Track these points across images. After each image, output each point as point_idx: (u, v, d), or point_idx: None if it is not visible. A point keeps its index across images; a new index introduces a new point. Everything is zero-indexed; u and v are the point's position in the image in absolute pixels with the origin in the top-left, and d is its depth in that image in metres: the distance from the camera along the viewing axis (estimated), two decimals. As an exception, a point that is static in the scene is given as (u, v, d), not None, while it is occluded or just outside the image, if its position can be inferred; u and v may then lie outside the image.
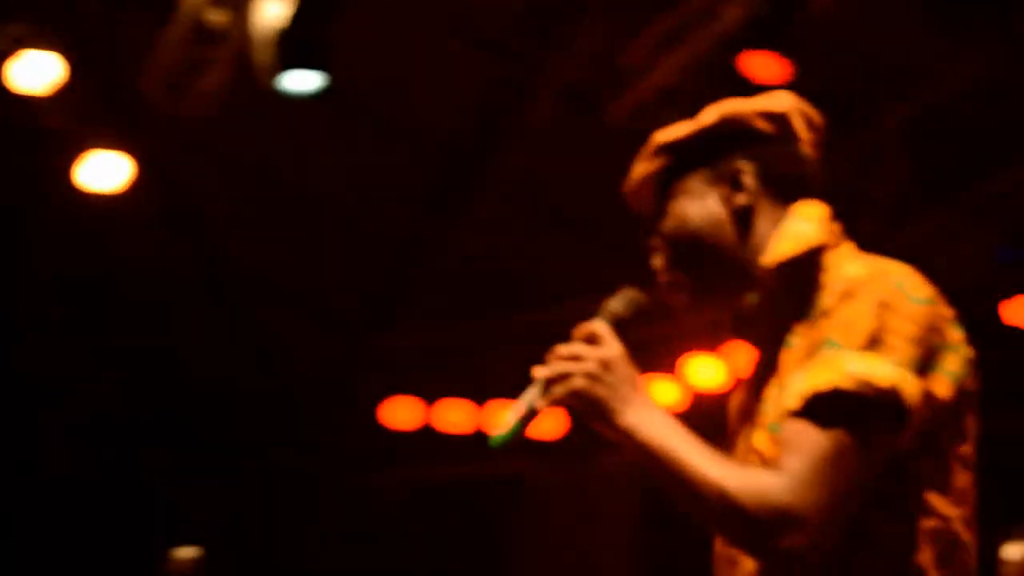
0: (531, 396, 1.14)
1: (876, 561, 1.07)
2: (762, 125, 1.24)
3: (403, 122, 4.82)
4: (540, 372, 1.14)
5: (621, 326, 1.18)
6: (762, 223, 1.20)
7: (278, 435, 5.24)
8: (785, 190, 1.22)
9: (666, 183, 1.26)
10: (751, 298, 1.21)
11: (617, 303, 1.20)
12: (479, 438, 5.21)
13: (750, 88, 3.92)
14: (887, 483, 1.07)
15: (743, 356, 2.89)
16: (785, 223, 1.19)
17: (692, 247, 1.22)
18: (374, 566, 5.10)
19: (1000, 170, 4.22)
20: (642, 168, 1.27)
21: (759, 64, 3.71)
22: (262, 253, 5.21)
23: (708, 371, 4.74)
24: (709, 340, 4.61)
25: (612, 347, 1.13)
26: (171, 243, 5.09)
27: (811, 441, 1.02)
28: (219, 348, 5.39)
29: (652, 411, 1.11)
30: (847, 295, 1.08)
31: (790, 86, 4.09)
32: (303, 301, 5.51)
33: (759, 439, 1.14)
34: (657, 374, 4.81)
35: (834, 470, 1.01)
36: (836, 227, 1.21)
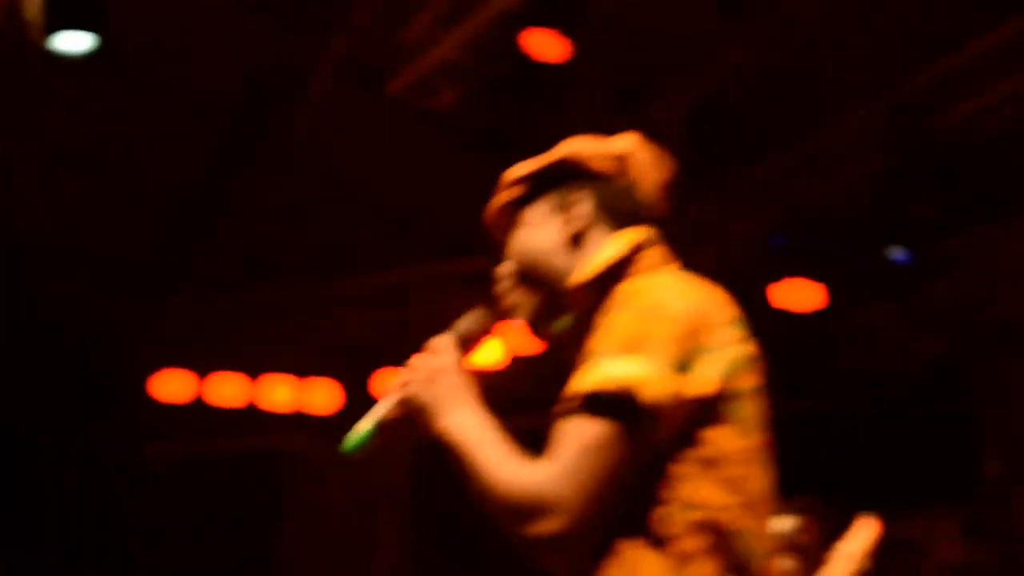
0: (384, 403, 1.29)
1: (643, 551, 1.13)
2: (601, 164, 1.36)
3: (183, 86, 4.37)
4: (394, 380, 1.31)
5: (468, 341, 1.34)
6: (592, 250, 1.32)
7: (46, 407, 4.89)
8: (619, 220, 1.34)
9: (517, 212, 1.40)
10: (565, 320, 1.34)
11: (465, 321, 1.35)
12: (252, 412, 5.01)
13: (531, 66, 3.93)
14: (650, 475, 1.14)
15: (520, 336, 3.56)
16: (598, 248, 1.31)
17: (530, 271, 1.34)
18: (144, 539, 4.94)
19: (773, 155, 4.29)
20: (497, 199, 1.41)
21: (540, 42, 3.72)
22: (35, 218, 4.71)
23: (486, 349, 4.71)
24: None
25: (446, 359, 1.28)
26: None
27: (569, 436, 1.12)
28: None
29: (467, 415, 1.21)
30: (616, 306, 1.20)
31: (570, 65, 3.93)
32: (76, 268, 4.96)
33: None
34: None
35: (588, 462, 1.09)
36: (655, 250, 1.33)
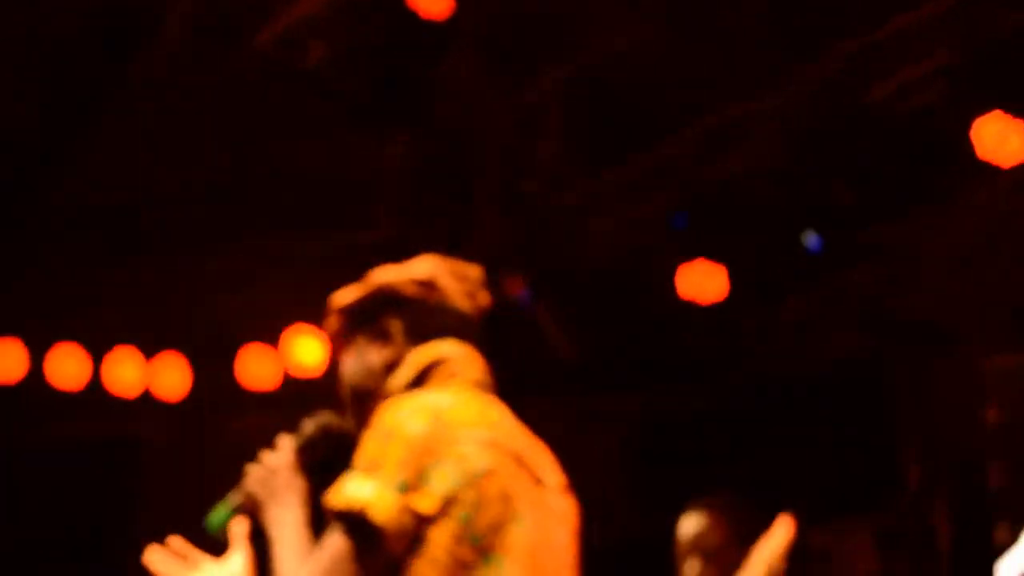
0: (235, 491, 1.54)
1: None
2: (411, 290, 1.53)
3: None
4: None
5: (310, 443, 1.53)
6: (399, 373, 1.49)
7: None
8: (429, 338, 1.50)
9: (346, 339, 1.59)
10: None
11: (308, 424, 1.55)
12: (95, 393, 4.57)
13: (408, 20, 3.59)
14: None
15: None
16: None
17: (352, 396, 1.53)
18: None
19: (681, 131, 4.05)
20: (327, 327, 1.64)
21: (418, -6, 3.57)
22: None
23: (309, 347, 4.64)
24: (313, 317, 4.08)
25: (282, 458, 1.49)
26: None
27: (323, 545, 1.32)
28: None
29: (287, 512, 1.43)
30: (369, 425, 1.39)
31: (454, 20, 3.60)
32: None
33: None
34: (259, 346, 4.62)
35: (332, 570, 1.30)
36: (445, 367, 1.49)
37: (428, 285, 1.54)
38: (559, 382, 4.38)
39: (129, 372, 4.61)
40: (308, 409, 1.62)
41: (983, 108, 3.51)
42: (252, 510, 1.49)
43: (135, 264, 4.62)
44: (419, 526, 1.31)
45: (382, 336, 1.52)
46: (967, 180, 3.73)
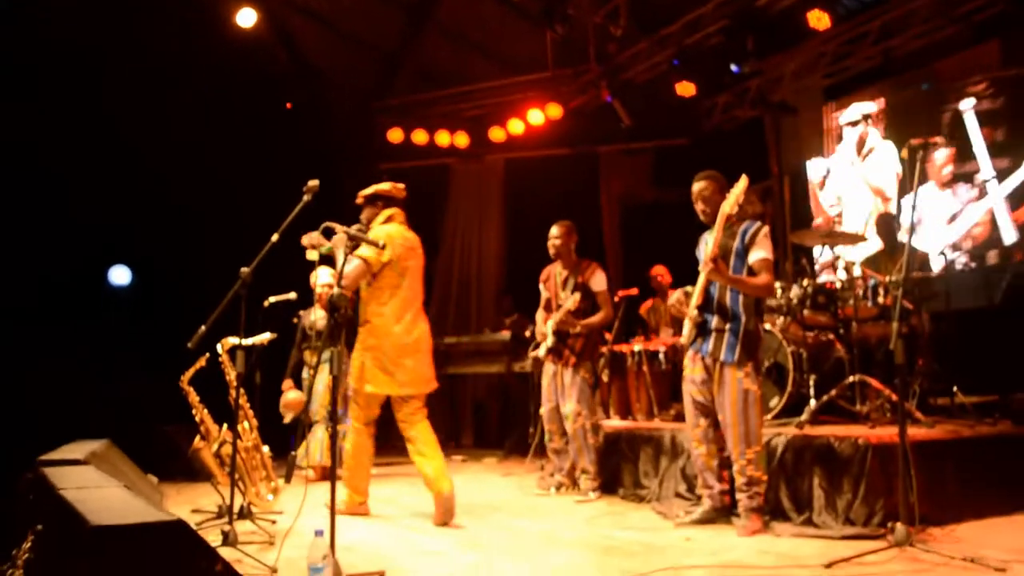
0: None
1: None
2: (383, 190, 5.41)
3: None
4: None
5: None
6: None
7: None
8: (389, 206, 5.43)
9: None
10: None
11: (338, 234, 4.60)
12: None
13: None
14: None
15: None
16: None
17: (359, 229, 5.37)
18: None
19: None
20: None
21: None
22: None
23: None
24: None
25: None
26: None
27: (351, 264, 4.64)
28: None
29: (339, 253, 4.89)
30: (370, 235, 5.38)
31: None
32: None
33: None
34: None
35: (357, 273, 5.11)
36: (393, 217, 5.44)
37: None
38: (625, 134, 9.96)
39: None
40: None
41: None
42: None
43: None
44: (380, 264, 5.07)
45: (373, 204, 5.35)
46: None
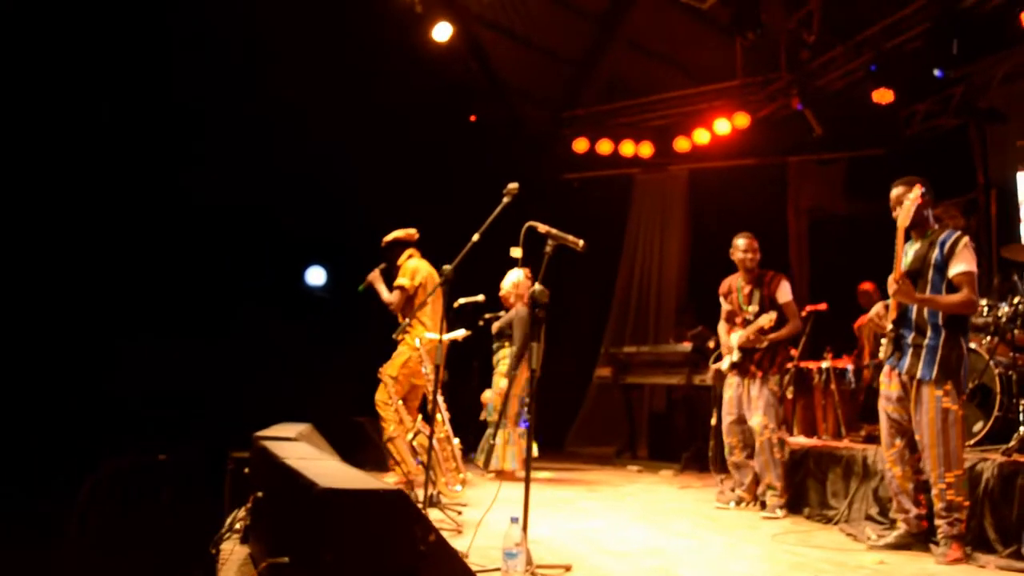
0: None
1: None
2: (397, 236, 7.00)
3: None
4: None
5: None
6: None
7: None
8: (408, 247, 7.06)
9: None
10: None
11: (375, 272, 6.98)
12: None
13: None
14: None
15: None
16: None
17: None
18: None
19: None
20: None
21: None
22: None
23: None
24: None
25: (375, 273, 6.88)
26: None
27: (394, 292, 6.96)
28: None
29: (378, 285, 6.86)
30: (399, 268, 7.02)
31: None
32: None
33: None
34: None
35: (398, 297, 6.75)
36: (414, 254, 6.99)
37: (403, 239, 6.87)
38: (816, 144, 9.68)
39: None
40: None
41: None
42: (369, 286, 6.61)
43: None
44: (413, 289, 6.60)
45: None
46: None
